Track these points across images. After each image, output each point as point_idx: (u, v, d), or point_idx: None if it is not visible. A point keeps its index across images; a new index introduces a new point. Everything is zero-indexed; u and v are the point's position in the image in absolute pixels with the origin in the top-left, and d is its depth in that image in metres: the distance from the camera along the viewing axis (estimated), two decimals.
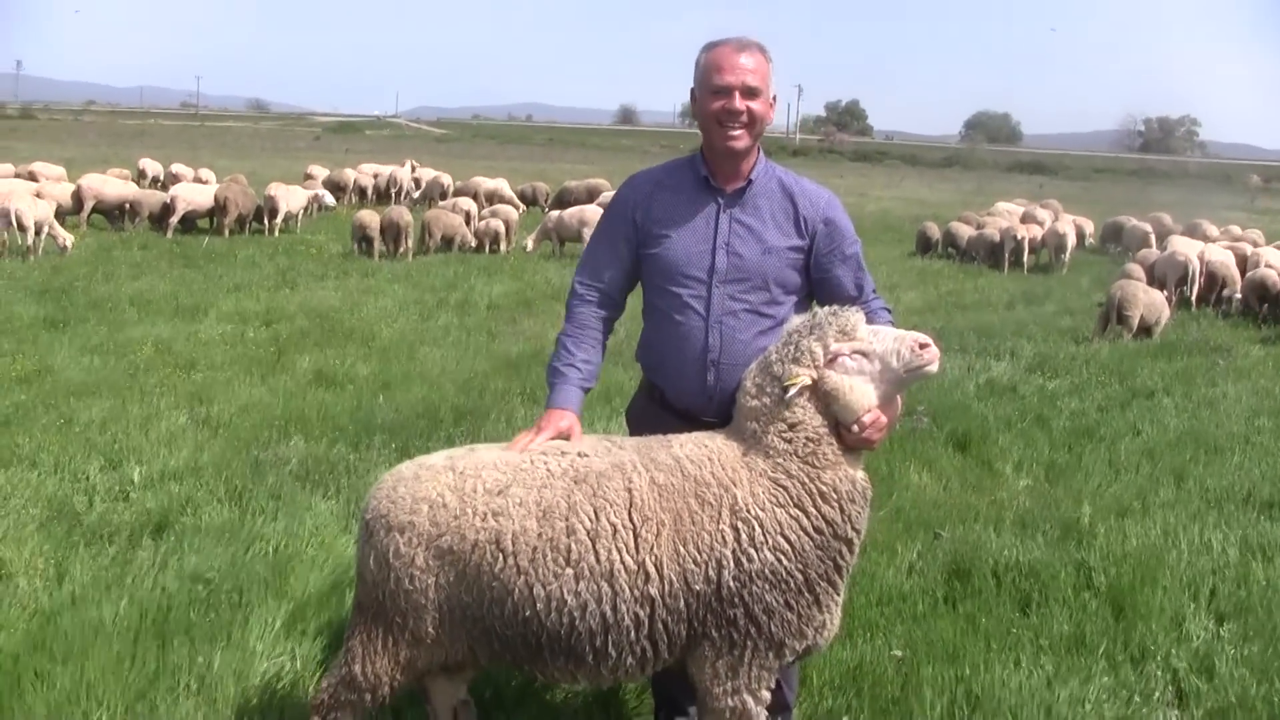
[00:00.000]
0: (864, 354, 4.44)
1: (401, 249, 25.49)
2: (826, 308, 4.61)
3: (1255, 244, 27.70)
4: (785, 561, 4.39)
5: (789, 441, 4.47)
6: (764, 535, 4.38)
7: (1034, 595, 7.38)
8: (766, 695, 4.56)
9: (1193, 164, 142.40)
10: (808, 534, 4.43)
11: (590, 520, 4.37)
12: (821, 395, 4.45)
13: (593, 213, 27.23)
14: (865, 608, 6.95)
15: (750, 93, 4.81)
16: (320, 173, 41.70)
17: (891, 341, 4.45)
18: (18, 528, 7.79)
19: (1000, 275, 27.49)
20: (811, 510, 4.43)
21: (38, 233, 22.28)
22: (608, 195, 32.27)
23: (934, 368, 4.46)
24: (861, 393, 4.42)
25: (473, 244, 27.08)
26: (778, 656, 4.50)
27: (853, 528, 4.51)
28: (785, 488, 4.44)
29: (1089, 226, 33.86)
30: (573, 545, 4.34)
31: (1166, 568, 7.85)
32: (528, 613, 4.37)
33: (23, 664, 5.76)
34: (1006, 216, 34.42)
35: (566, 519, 4.38)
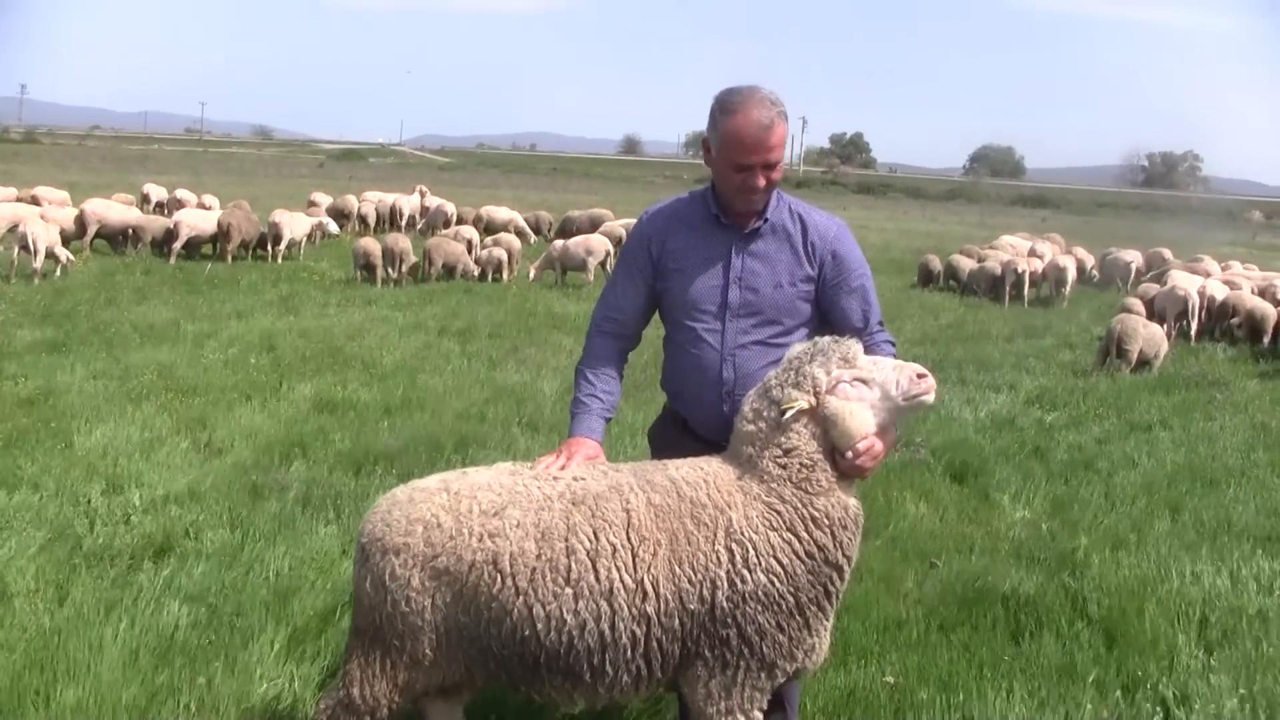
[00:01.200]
0: (864, 381, 4.51)
1: (396, 275, 25.67)
2: (829, 336, 4.68)
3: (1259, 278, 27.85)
4: (778, 584, 4.45)
5: (784, 467, 4.53)
6: (757, 558, 4.45)
7: (1028, 625, 7.43)
8: (759, 716, 4.62)
9: (1195, 199, 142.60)
10: (800, 558, 4.48)
11: (590, 541, 4.44)
12: (819, 420, 4.52)
13: (598, 242, 27.32)
14: (861, 635, 7.00)
15: (771, 166, 4.87)
16: (324, 200, 41.88)
17: (891, 371, 4.56)
18: (20, 550, 7.82)
19: (1001, 308, 27.56)
20: (804, 535, 4.49)
21: (48, 256, 22.59)
22: (612, 225, 32.46)
23: (930, 398, 4.58)
24: (860, 419, 4.48)
25: (475, 272, 27.13)
26: (769, 677, 4.56)
27: (843, 554, 4.57)
28: (779, 512, 4.50)
29: (1090, 260, 34.03)
30: (573, 565, 4.41)
31: (1158, 598, 7.92)
32: (526, 632, 4.43)
33: (24, 683, 5.80)
34: (1011, 250, 34.55)
35: (566, 540, 4.44)
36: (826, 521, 4.52)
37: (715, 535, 4.47)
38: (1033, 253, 34.06)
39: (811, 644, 4.61)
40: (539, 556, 4.43)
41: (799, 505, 4.51)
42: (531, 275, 27.52)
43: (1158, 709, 6.34)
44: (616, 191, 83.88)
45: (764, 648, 4.47)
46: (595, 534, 4.46)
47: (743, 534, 4.47)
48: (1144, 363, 18.31)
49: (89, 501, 8.97)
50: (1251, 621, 7.67)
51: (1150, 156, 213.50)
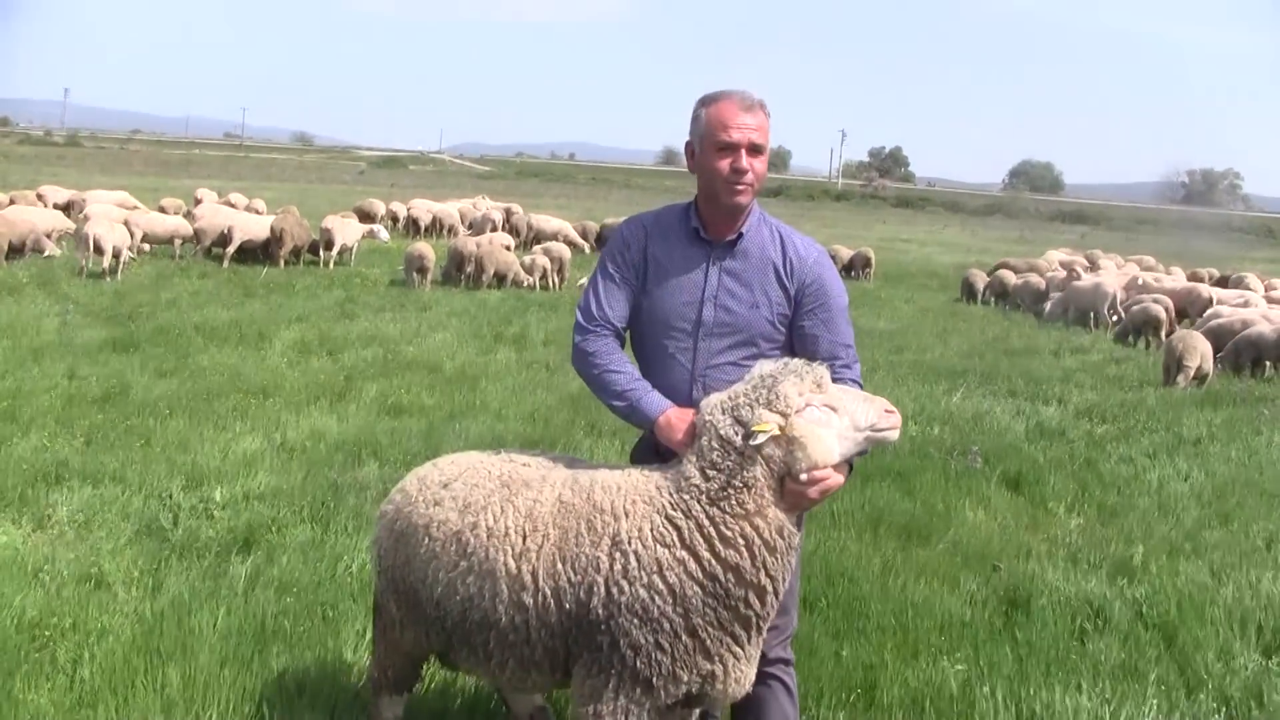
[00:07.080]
0: (833, 408, 4.36)
1: (465, 279, 26.88)
2: (801, 359, 4.53)
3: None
4: (659, 601, 4.33)
5: (707, 479, 4.37)
6: (639, 570, 4.35)
7: (1089, 626, 7.66)
8: None
9: (1236, 217, 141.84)
10: (693, 578, 4.34)
11: (493, 521, 4.66)
12: (783, 443, 4.32)
13: None
14: (929, 632, 7.26)
15: (755, 150, 4.78)
16: (377, 206, 42.82)
17: (861, 402, 4.43)
18: (113, 539, 8.17)
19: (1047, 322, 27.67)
20: (705, 555, 4.33)
21: (116, 256, 23.55)
22: None
23: (894, 435, 4.46)
24: (826, 446, 4.31)
25: (526, 281, 27.45)
26: (646, 694, 4.44)
27: (766, 574, 4.38)
28: (678, 528, 4.37)
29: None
30: (473, 540, 4.67)
31: (1216, 604, 8.11)
32: (438, 593, 4.78)
33: (133, 664, 6.10)
34: (1055, 265, 34.76)
35: (478, 516, 4.70)
36: (743, 541, 4.33)
37: (602, 541, 4.43)
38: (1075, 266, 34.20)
39: (710, 670, 4.48)
40: (455, 527, 4.75)
41: (706, 523, 4.35)
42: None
43: (1221, 707, 6.56)
44: (658, 201, 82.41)
45: (638, 663, 4.37)
46: (500, 516, 4.65)
47: (628, 544, 4.39)
48: (1200, 378, 18.60)
49: (171, 496, 9.24)
50: None
51: (1190, 173, 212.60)
